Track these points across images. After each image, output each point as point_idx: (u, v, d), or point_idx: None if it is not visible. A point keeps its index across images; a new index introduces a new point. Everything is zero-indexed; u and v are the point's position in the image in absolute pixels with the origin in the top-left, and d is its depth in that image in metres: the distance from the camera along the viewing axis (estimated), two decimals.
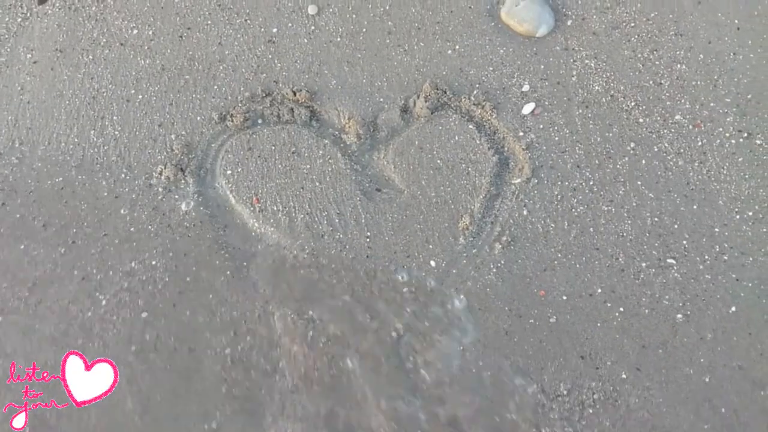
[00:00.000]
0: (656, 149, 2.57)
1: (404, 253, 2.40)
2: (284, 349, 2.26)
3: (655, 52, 2.75)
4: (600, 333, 2.31)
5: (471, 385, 2.23)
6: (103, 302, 2.32)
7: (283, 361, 2.25)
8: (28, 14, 2.79)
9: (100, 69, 2.70)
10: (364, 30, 2.78)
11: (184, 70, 2.71)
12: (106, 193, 2.50)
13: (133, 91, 2.66)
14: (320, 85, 2.68)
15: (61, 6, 2.79)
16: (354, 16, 2.81)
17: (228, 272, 2.37)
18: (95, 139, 2.58)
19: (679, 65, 2.72)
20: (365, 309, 2.33)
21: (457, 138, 2.58)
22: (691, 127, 2.61)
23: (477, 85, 2.68)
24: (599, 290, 2.37)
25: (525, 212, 2.48)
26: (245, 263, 2.40)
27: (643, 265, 2.40)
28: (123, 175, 2.53)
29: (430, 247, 2.42)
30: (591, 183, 2.52)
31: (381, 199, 2.50)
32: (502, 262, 2.40)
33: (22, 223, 2.45)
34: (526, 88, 2.67)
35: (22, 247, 2.40)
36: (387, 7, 2.82)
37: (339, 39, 2.77)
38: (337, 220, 2.45)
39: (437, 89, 2.64)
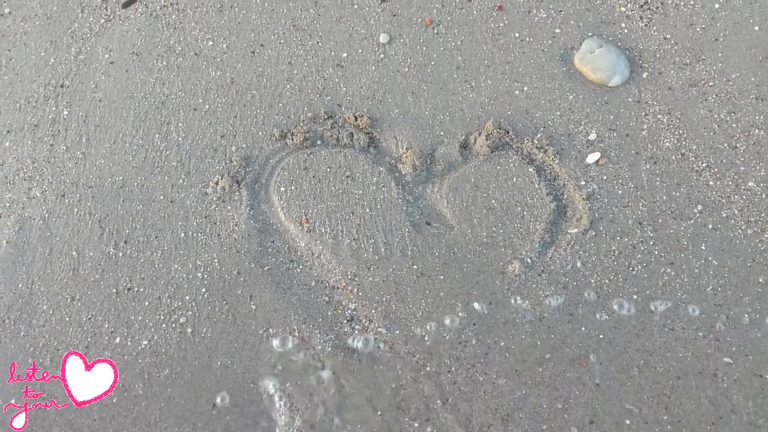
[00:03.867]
0: (724, 215, 2.44)
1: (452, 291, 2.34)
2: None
3: (732, 114, 2.63)
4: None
5: None
6: (146, 303, 2.35)
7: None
8: (111, 16, 2.89)
9: (172, 76, 2.77)
10: (432, 63, 2.77)
11: (252, 86, 2.74)
12: (162, 197, 2.54)
13: (200, 101, 2.71)
14: (382, 113, 2.67)
15: (143, 11, 2.89)
16: (424, 48, 2.80)
17: (270, 288, 2.36)
18: (159, 143, 2.63)
19: (757, 130, 2.59)
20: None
21: (515, 180, 2.51)
22: (764, 195, 2.47)
23: (542, 129, 2.61)
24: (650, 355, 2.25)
25: (579, 264, 2.38)
26: (287, 281, 2.38)
27: (700, 334, 2.27)
28: (181, 181, 2.56)
29: (476, 291, 2.35)
30: (652, 243, 2.41)
31: (430, 233, 2.45)
32: (549, 313, 2.31)
33: (78, 217, 2.50)
34: (593, 136, 2.59)
35: (75, 239, 2.46)
36: (458, 43, 2.80)
37: (407, 69, 2.76)
38: (383, 249, 2.41)
39: (500, 128, 2.59)
